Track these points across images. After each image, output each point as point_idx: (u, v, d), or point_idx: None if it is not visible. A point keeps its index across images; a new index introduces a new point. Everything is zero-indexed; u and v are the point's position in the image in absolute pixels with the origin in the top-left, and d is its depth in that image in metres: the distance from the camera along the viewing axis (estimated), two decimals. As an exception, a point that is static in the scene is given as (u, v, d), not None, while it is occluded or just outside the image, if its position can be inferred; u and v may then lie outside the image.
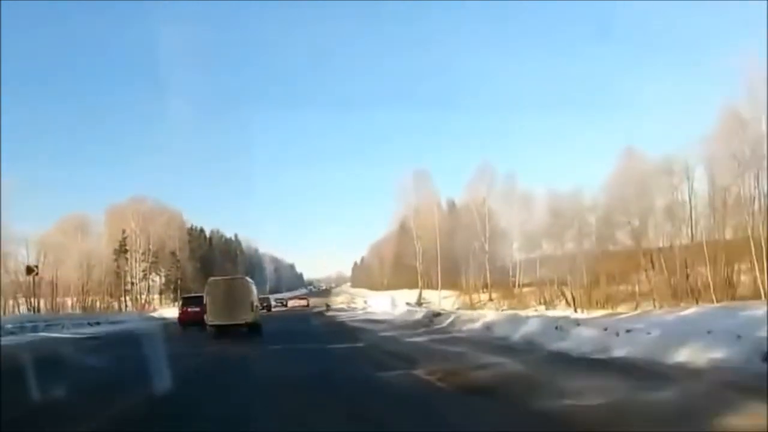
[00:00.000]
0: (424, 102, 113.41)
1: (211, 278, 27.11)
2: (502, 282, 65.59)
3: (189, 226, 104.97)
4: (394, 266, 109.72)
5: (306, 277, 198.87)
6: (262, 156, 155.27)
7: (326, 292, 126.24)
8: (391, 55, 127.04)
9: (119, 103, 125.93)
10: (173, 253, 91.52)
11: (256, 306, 26.37)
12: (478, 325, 22.94)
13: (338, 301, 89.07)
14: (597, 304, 50.68)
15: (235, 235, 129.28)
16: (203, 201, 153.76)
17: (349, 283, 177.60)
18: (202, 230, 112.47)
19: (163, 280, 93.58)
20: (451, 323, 26.65)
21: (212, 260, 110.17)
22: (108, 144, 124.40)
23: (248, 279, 27.71)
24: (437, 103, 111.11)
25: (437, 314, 31.21)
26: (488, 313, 29.29)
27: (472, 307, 60.52)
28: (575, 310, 45.07)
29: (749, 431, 6.16)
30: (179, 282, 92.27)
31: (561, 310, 49.99)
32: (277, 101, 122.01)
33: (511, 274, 66.61)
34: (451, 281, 76.56)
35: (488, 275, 66.33)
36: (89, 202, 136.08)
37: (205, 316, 24.52)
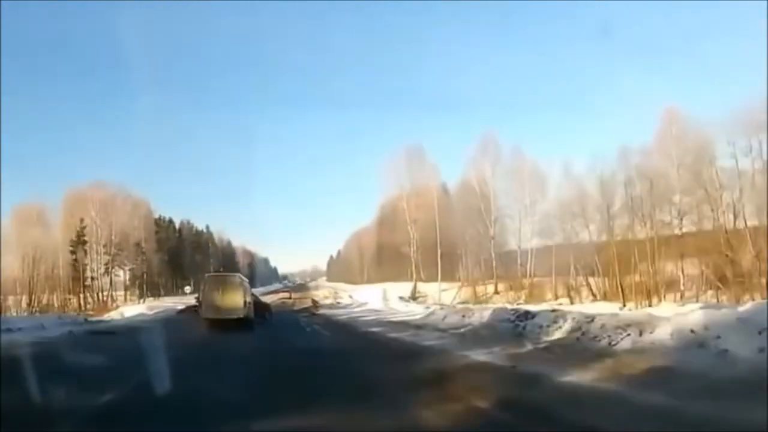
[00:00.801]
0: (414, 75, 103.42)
1: (207, 274, 29.42)
2: (509, 272, 57.52)
3: (157, 216, 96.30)
4: (377, 258, 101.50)
5: (280, 271, 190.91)
6: (234, 147, 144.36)
7: (303, 287, 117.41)
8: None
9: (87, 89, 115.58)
10: (138, 245, 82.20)
11: (249, 302, 26.72)
12: (654, 336, 12.49)
13: (320, 296, 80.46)
14: (633, 295, 43.23)
15: (207, 227, 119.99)
16: (172, 191, 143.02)
17: (324, 278, 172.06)
18: (171, 221, 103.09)
19: (128, 274, 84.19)
20: (580, 331, 15.29)
21: (182, 253, 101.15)
22: (69, 130, 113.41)
23: (242, 276, 28.68)
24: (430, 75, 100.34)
25: (528, 314, 19.58)
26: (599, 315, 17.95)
27: (477, 300, 52.65)
28: (624, 305, 37.12)
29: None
30: (145, 276, 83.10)
31: (591, 303, 42.42)
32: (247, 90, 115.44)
33: (519, 262, 58.30)
34: (448, 272, 68.62)
35: (494, 264, 58.01)
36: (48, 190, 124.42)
37: (199, 310, 26.02)
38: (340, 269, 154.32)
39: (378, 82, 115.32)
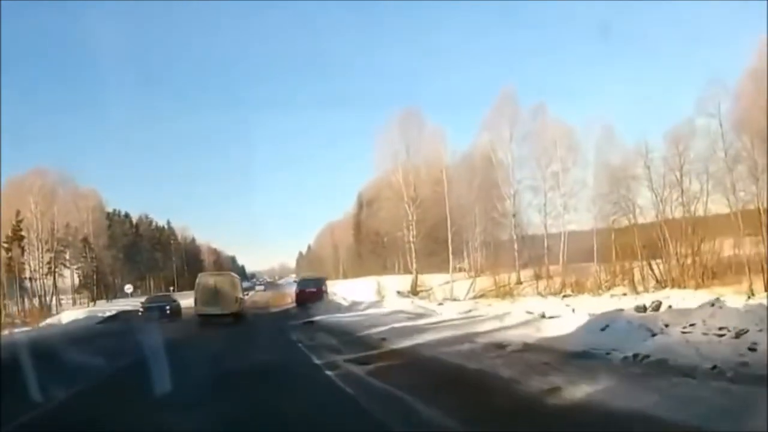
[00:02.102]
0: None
1: (201, 273, 33.04)
2: (531, 258, 46.76)
3: (111, 210, 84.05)
4: (355, 250, 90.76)
5: (248, 269, 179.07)
6: (198, 140, 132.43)
7: (274, 285, 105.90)
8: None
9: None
10: (86, 241, 69.70)
11: (240, 299, 29.54)
12: None
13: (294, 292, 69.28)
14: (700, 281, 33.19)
15: (168, 222, 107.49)
16: (131, 186, 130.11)
17: (293, 275, 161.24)
18: (127, 215, 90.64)
19: (76, 275, 71.65)
20: None
21: (139, 250, 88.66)
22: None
23: (234, 275, 31.61)
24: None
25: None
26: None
27: (500, 293, 41.94)
28: (752, 293, 26.47)
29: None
30: (95, 276, 70.76)
31: (663, 291, 32.00)
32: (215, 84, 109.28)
33: (546, 244, 47.06)
34: (443, 261, 58.04)
35: (516, 248, 46.84)
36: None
37: (194, 307, 28.43)
38: (310, 265, 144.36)
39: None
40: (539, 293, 40.38)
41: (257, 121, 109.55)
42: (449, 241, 48.84)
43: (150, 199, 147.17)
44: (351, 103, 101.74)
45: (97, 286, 71.22)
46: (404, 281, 49.40)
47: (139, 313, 36.37)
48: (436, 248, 57.20)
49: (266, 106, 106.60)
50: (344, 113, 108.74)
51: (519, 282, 44.50)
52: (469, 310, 29.05)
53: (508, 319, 18.49)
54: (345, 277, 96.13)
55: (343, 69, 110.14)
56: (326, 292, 43.44)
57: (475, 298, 42.41)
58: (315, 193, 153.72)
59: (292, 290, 77.82)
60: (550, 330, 14.46)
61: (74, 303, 68.93)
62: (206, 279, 29.31)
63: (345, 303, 37.99)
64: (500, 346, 13.13)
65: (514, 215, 46.27)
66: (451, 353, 12.66)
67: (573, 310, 18.42)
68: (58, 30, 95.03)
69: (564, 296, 35.03)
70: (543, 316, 17.81)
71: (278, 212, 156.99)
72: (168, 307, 36.13)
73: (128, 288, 60.75)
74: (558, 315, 17.22)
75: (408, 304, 28.75)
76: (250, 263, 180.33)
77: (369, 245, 78.67)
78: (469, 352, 12.81)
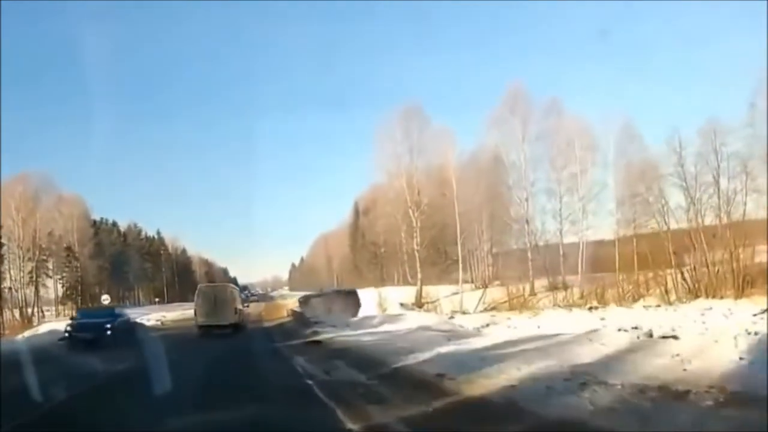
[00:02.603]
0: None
1: (201, 285, 33.23)
2: (546, 268, 42.90)
3: (98, 219, 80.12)
4: (351, 261, 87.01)
5: (240, 281, 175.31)
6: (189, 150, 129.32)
7: (267, 297, 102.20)
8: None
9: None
10: (70, 249, 65.85)
11: (240, 309, 29.84)
12: None
13: (287, 304, 65.38)
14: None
15: (158, 232, 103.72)
16: (120, 194, 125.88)
17: (286, 287, 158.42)
18: (114, 224, 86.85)
19: (60, 285, 67.60)
20: None
21: (127, 260, 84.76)
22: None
23: (233, 286, 33.90)
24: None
25: None
26: None
27: (516, 307, 38.35)
28: None
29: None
30: (80, 287, 66.76)
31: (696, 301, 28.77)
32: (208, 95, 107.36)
33: (561, 251, 42.77)
34: (442, 272, 54.48)
35: (530, 256, 42.46)
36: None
37: (194, 318, 28.29)
38: (304, 277, 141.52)
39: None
40: (557, 305, 36.99)
41: (250, 131, 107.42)
42: (459, 248, 45.12)
43: (140, 209, 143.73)
44: (346, 108, 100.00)
45: (81, 297, 67.19)
46: (406, 293, 45.68)
47: (61, 339, 25.70)
48: (437, 258, 53.69)
49: (259, 116, 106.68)
50: (338, 121, 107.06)
51: (533, 293, 40.92)
52: (487, 324, 25.80)
53: (605, 339, 14.45)
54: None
55: (339, 73, 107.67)
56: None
57: (486, 310, 38.94)
58: (309, 203, 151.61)
59: (286, 302, 74.78)
60: (695, 360, 10.40)
61: (58, 315, 64.83)
62: (206, 290, 29.67)
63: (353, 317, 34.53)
64: (676, 393, 8.17)
65: (527, 221, 42.64)
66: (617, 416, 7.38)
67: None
68: (50, 32, 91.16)
69: (590, 308, 31.81)
70: (651, 335, 14.00)
71: (271, 224, 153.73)
72: (108, 326, 25.29)
73: (105, 298, 55.85)
74: (673, 334, 13.30)
75: (430, 319, 25.31)
76: (243, 275, 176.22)
77: (366, 255, 75.04)
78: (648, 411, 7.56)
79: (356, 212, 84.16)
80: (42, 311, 65.27)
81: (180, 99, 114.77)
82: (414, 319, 25.23)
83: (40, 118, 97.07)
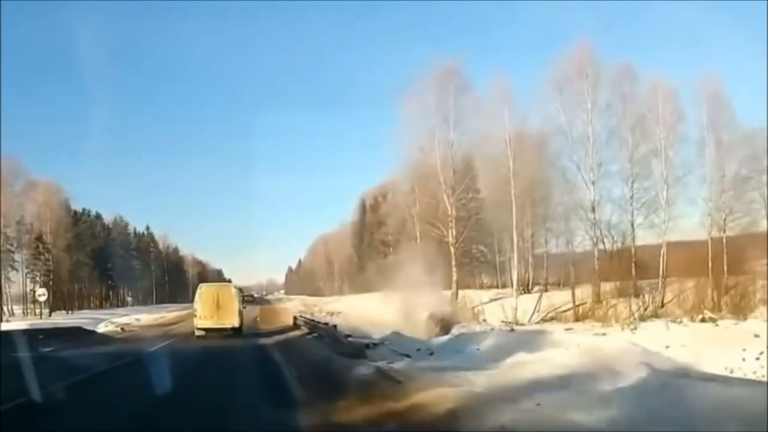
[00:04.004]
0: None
1: (202, 284, 28.25)
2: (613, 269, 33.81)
3: (80, 209, 71.12)
4: (356, 263, 78.10)
5: (235, 284, 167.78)
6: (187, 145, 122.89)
7: (262, 301, 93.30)
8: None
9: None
10: (39, 239, 56.63)
11: (242, 311, 26.99)
12: None
13: (288, 308, 56.31)
14: None
15: (147, 228, 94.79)
16: (110, 187, 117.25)
17: (282, 291, 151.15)
18: (98, 216, 77.57)
19: (28, 280, 58.28)
20: None
21: (111, 255, 75.63)
22: None
23: (235, 286, 28.64)
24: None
25: None
26: None
27: (582, 317, 29.58)
28: None
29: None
30: (50, 282, 57.49)
31: None
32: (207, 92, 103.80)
33: (633, 250, 33.74)
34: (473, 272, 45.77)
35: (596, 254, 32.92)
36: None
37: (194, 320, 25.17)
38: (300, 281, 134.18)
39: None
40: (641, 316, 28.15)
41: (247, 129, 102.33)
42: (514, 238, 35.39)
43: (130, 204, 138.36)
44: (345, 107, 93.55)
45: (53, 294, 58.14)
46: (434, 298, 36.62)
47: None
48: (462, 257, 44.18)
49: (257, 113, 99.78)
50: (337, 119, 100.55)
51: (599, 300, 32.03)
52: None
53: None
54: (342, 293, 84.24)
55: (337, 71, 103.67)
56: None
57: (544, 320, 30.23)
58: (307, 205, 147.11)
59: (283, 306, 65.89)
60: None
61: (25, 313, 55.78)
62: (208, 290, 26.56)
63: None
64: None
65: (593, 210, 33.60)
66: None
67: None
68: (46, 27, 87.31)
69: (704, 320, 23.08)
70: None
71: (268, 226, 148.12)
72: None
73: (40, 294, 48.95)
74: None
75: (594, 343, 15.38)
76: (237, 278, 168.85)
77: (375, 256, 66.23)
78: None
79: (362, 209, 75.70)
80: (11, 309, 56.58)
81: (177, 97, 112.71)
82: (569, 342, 14.98)
83: (39, 115, 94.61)
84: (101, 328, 30.88)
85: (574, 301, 31.41)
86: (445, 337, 20.82)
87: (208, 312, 25.12)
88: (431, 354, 15.58)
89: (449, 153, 36.10)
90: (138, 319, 40.39)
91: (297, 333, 26.40)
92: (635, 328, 23.24)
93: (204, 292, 26.09)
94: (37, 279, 57.07)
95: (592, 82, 33.39)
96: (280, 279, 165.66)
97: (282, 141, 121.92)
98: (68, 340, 19.30)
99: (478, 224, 40.53)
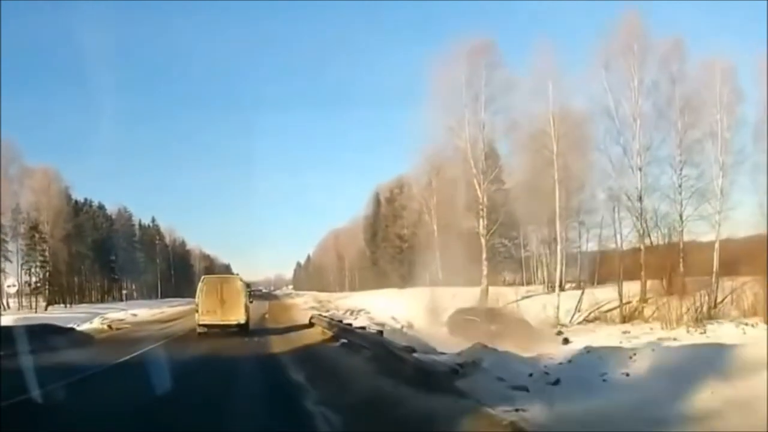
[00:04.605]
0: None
1: (205, 276, 26.72)
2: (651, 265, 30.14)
3: (82, 199, 68.14)
4: (369, 258, 74.79)
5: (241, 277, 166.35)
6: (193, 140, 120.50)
7: (270, 296, 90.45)
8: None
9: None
10: (34, 228, 53.50)
11: (248, 306, 24.25)
12: None
13: (298, 304, 53.16)
14: None
15: (153, 220, 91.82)
16: (116, 179, 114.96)
17: (290, 286, 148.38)
18: (101, 206, 74.52)
19: (23, 271, 55.13)
20: None
21: (113, 247, 72.80)
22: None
23: (241, 279, 25.72)
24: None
25: None
26: None
27: (637, 316, 26.22)
28: None
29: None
30: (47, 273, 54.38)
31: None
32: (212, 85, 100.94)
33: (681, 246, 30.19)
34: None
35: (642, 248, 29.66)
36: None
37: (196, 315, 23.14)
38: (309, 276, 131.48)
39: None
40: (696, 317, 24.71)
41: (257, 123, 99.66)
42: (557, 226, 31.84)
43: (135, 196, 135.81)
44: (353, 102, 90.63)
45: (50, 286, 55.17)
46: (462, 294, 33.21)
47: None
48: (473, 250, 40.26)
49: (265, 108, 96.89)
50: (346, 114, 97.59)
51: (644, 299, 28.55)
52: None
53: None
54: (352, 289, 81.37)
55: (346, 66, 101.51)
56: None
57: (587, 321, 26.86)
58: (317, 198, 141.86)
59: (293, 302, 62.83)
60: None
61: (20, 307, 52.83)
62: (212, 282, 24.48)
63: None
64: None
65: (640, 199, 30.02)
66: None
67: None
68: (52, 27, 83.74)
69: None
70: None
71: (277, 220, 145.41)
72: None
73: (10, 285, 46.36)
74: None
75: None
76: (245, 273, 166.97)
77: (390, 250, 63.00)
78: None
79: (377, 202, 72.35)
80: (7, 303, 53.62)
81: (182, 90, 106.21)
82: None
83: (42, 108, 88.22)
84: (85, 325, 27.45)
85: (621, 300, 27.89)
86: (558, 353, 15.73)
87: (211, 307, 23.16)
88: (556, 383, 9.67)
89: (480, 135, 32.62)
90: (134, 315, 37.24)
91: (318, 337, 21.09)
92: (704, 331, 20.04)
93: (207, 284, 24.00)
94: (33, 271, 53.96)
95: (639, 59, 29.83)
96: (288, 274, 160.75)
97: (287, 138, 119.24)
98: (34, 342, 15.39)
99: (504, 216, 37.16)
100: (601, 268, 36.23)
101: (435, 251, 51.02)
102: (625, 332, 20.76)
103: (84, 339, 21.39)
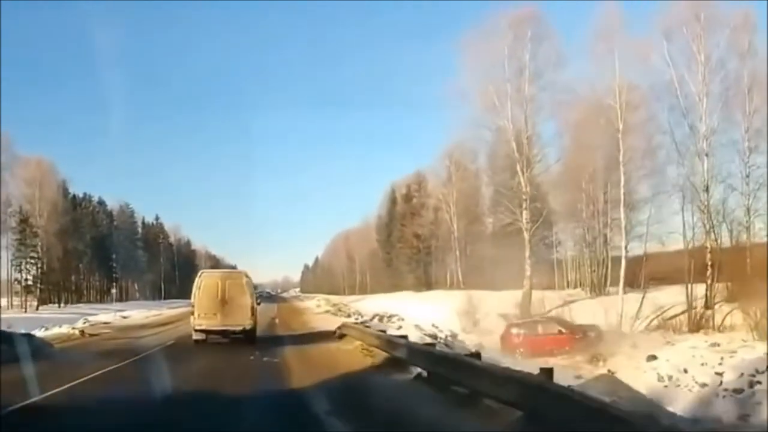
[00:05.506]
0: None
1: (203, 270, 22.41)
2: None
3: (80, 194, 64.82)
4: (383, 259, 70.70)
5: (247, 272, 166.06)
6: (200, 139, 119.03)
7: (278, 298, 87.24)
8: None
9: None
10: (25, 222, 49.87)
11: (256, 309, 19.66)
12: None
13: (310, 307, 49.38)
14: None
15: (157, 218, 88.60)
16: (121, 178, 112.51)
17: (297, 289, 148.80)
18: (101, 202, 70.99)
19: (13, 268, 51.49)
20: None
21: (113, 245, 69.50)
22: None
23: (246, 275, 20.38)
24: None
25: None
26: None
27: (705, 324, 22.44)
28: None
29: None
30: (40, 270, 50.79)
31: None
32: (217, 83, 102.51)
33: (747, 244, 26.05)
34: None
35: (708, 246, 24.83)
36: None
37: (191, 319, 18.90)
38: (317, 279, 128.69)
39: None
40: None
41: (264, 124, 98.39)
42: (623, 225, 27.93)
43: (139, 194, 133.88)
44: (361, 102, 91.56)
45: (42, 285, 51.64)
46: (503, 299, 29.44)
47: None
48: (508, 251, 36.33)
49: (271, 106, 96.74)
50: (355, 113, 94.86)
51: (709, 306, 24.64)
52: None
53: None
54: (364, 291, 77.96)
55: (355, 66, 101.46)
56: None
57: (648, 330, 23.04)
58: (326, 200, 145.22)
59: (303, 305, 59.17)
60: None
61: (10, 306, 49.28)
62: (211, 278, 19.63)
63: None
64: None
65: (706, 189, 26.12)
66: None
67: None
68: (56, 26, 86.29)
69: None
70: None
71: (284, 221, 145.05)
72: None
73: None
74: None
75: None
76: (252, 274, 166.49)
77: (406, 251, 59.19)
78: None
79: (392, 200, 68.40)
80: (-6, 302, 50.13)
81: (187, 89, 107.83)
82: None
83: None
84: (53, 331, 22.86)
85: (689, 305, 23.96)
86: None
87: (211, 308, 18.82)
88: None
89: (523, 113, 28.79)
90: (124, 317, 33.50)
91: (358, 356, 15.15)
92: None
93: (205, 281, 19.43)
94: (24, 267, 50.33)
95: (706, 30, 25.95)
96: (295, 277, 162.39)
97: (293, 139, 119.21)
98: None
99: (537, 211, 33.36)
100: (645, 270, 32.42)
101: (455, 251, 47.44)
102: (713, 344, 16.87)
103: (37, 350, 14.64)
